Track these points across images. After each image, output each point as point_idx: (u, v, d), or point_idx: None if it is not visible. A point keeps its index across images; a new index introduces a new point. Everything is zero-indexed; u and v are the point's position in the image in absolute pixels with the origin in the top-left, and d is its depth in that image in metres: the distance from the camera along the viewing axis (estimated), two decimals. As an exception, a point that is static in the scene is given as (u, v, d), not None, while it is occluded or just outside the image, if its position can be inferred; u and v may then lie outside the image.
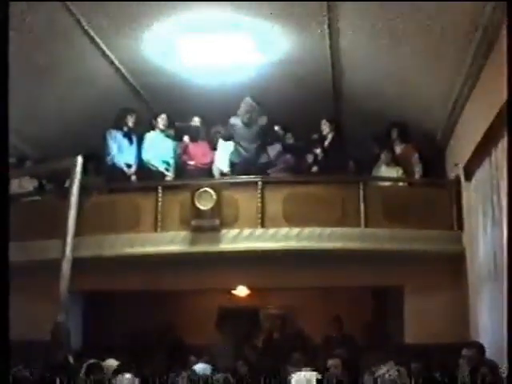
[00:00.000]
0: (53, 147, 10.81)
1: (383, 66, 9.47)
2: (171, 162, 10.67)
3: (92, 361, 7.13)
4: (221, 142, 10.79)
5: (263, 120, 10.35)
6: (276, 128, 10.75)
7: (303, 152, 10.90)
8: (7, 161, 4.87)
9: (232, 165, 10.47)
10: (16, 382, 6.07)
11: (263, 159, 10.43)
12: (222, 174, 10.53)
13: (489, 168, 7.80)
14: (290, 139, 11.09)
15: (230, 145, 10.56)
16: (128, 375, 4.97)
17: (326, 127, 10.60)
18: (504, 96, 6.04)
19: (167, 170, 10.56)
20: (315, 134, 10.82)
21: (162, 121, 10.67)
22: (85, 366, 6.95)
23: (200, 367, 8.10)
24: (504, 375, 5.65)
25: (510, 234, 6.22)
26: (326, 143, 10.57)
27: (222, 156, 10.69)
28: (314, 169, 10.60)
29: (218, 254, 9.63)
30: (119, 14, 8.42)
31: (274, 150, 10.64)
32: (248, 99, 10.20)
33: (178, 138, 10.94)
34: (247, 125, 10.29)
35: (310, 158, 10.82)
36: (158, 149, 10.58)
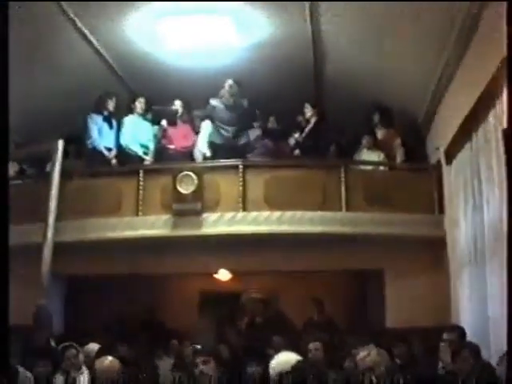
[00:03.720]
0: (33, 131, 10.72)
1: (365, 50, 9.46)
2: (150, 145, 10.59)
3: (66, 343, 7.13)
4: (203, 125, 10.70)
5: (245, 103, 10.33)
6: (257, 112, 10.71)
7: (283, 136, 10.89)
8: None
9: (212, 145, 10.39)
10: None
11: (243, 141, 10.41)
12: (205, 158, 10.44)
13: (469, 152, 7.82)
14: (272, 123, 11.09)
15: (208, 126, 10.50)
16: (109, 357, 4.97)
17: (308, 111, 10.59)
18: (486, 80, 6.08)
19: (146, 154, 10.47)
20: (299, 116, 10.80)
21: (140, 104, 10.59)
22: (59, 348, 6.94)
23: None
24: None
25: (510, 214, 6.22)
26: (309, 127, 10.55)
27: (203, 138, 10.59)
28: (296, 152, 10.59)
29: (200, 238, 9.60)
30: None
31: (253, 133, 10.63)
32: (231, 82, 10.15)
33: (155, 121, 10.83)
34: (230, 108, 10.25)
35: (292, 142, 10.83)
36: (136, 133, 10.49)
